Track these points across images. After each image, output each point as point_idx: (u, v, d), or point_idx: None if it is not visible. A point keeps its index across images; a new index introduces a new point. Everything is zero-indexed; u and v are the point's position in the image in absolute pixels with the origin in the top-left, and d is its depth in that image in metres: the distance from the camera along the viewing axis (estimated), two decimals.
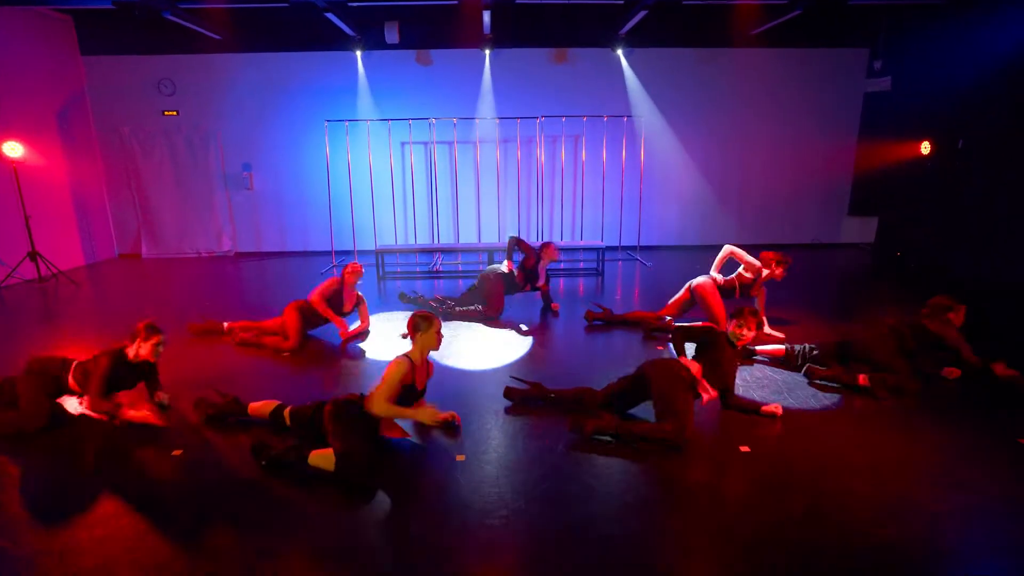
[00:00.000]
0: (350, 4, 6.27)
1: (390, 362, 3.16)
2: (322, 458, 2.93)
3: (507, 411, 3.70)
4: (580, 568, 2.29)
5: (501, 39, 8.49)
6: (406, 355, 3.20)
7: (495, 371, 4.39)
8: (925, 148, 7.83)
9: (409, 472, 3.03)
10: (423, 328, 3.20)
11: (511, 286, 5.86)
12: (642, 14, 7.03)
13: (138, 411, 3.49)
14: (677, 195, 9.61)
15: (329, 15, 6.89)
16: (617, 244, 9.11)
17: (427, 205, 9.06)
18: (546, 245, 5.84)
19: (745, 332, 3.55)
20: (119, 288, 7.41)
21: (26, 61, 7.62)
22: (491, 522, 2.58)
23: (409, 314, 3.92)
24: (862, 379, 3.94)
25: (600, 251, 7.91)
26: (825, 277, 7.71)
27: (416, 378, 3.20)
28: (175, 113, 8.85)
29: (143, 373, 3.69)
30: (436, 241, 8.78)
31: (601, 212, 9.03)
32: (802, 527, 2.53)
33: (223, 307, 6.14)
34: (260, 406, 3.52)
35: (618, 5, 7.07)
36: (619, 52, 8.80)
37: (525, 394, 3.80)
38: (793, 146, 9.40)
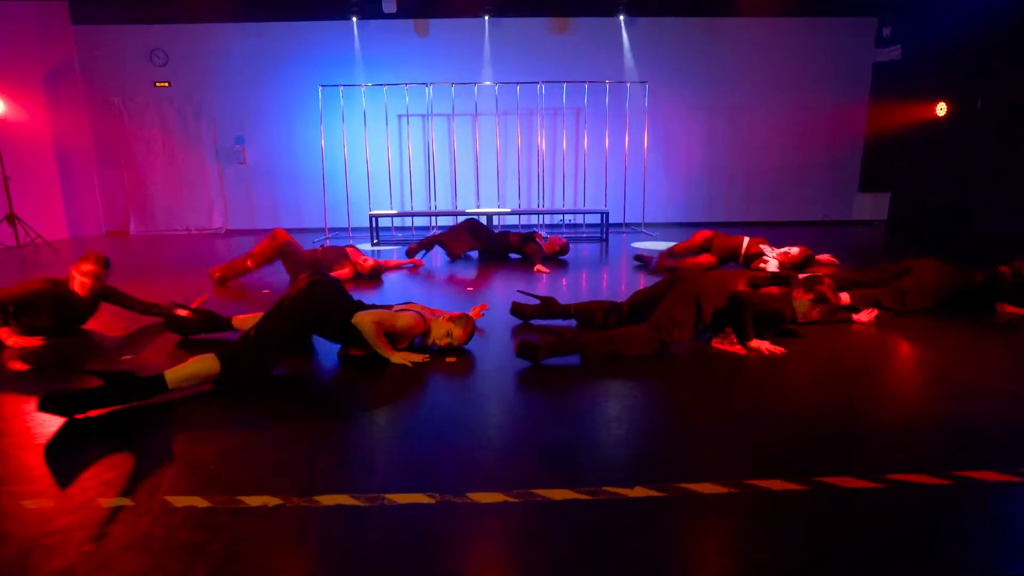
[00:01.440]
0: None
1: (412, 313, 2.96)
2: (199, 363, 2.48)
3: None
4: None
5: (500, 7, 8.30)
6: (426, 319, 3.03)
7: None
8: (941, 110, 7.56)
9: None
10: (457, 323, 3.02)
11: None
12: None
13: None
14: (682, 170, 9.32)
15: None
16: (621, 221, 8.79)
17: (424, 177, 8.77)
18: (536, 237, 5.81)
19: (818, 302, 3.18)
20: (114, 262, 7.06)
21: (13, 24, 7.41)
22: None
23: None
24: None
25: (604, 215, 7.58)
26: (838, 256, 7.33)
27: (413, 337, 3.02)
28: (167, 84, 8.63)
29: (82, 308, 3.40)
30: (433, 209, 8.47)
31: (604, 186, 8.73)
32: (864, 410, 2.15)
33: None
34: (247, 318, 3.16)
35: None
36: (621, 19, 8.59)
37: (535, 311, 3.42)
38: (801, 120, 9.13)
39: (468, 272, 5.61)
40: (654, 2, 8.29)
